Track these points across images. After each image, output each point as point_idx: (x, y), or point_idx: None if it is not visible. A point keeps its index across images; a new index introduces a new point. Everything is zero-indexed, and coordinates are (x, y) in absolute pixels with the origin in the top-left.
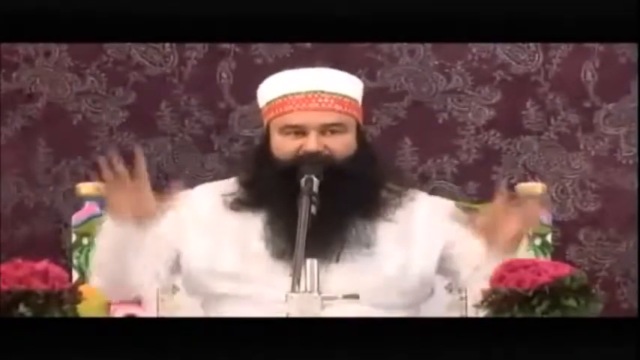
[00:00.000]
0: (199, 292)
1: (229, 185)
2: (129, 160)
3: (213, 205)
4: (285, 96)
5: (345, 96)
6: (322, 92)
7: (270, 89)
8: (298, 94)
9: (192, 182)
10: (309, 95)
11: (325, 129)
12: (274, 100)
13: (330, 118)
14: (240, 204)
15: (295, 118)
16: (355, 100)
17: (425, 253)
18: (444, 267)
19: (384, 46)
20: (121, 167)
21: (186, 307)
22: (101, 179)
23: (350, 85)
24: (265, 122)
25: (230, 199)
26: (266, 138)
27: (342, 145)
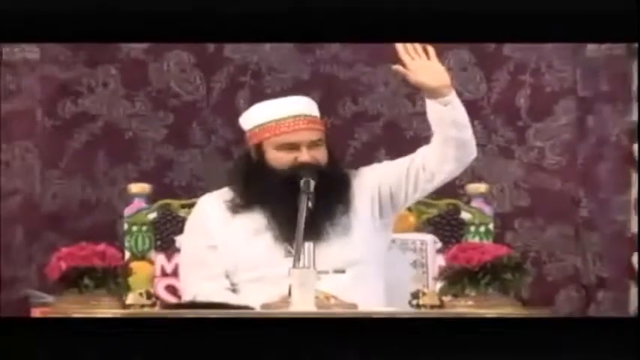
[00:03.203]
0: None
1: (226, 193)
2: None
3: (221, 210)
4: (276, 120)
5: (316, 117)
6: (305, 116)
7: (260, 115)
8: (288, 117)
9: (215, 183)
10: (298, 119)
11: (313, 144)
12: (266, 123)
13: (315, 135)
14: (239, 207)
15: (291, 137)
16: (320, 118)
17: (364, 207)
18: (390, 203)
19: (364, 78)
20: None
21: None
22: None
23: (315, 108)
24: (256, 141)
25: (230, 204)
26: (260, 153)
27: (323, 155)
